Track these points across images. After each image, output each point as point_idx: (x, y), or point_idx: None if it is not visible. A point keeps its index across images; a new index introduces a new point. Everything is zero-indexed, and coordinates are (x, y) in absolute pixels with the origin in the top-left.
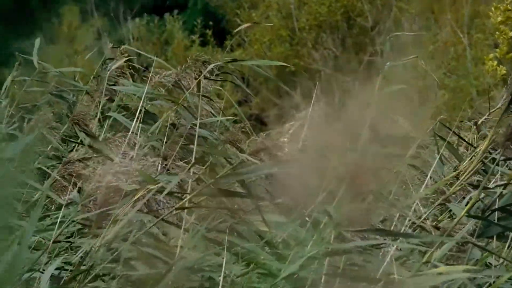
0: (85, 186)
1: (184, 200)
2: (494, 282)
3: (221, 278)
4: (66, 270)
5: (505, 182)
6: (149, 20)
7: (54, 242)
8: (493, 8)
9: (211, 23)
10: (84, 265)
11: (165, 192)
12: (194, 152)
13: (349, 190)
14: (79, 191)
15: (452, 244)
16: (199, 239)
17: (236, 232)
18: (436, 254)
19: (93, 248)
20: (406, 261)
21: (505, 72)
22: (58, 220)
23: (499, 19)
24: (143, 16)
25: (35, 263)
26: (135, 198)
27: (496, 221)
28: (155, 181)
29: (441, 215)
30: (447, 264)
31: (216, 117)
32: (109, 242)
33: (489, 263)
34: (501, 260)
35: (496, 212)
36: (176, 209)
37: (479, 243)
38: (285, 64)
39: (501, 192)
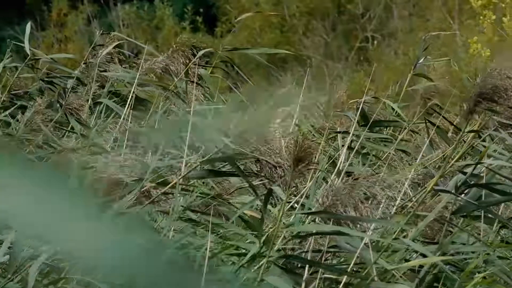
0: (87, 176)
1: (172, 183)
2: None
3: (206, 260)
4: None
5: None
6: (138, 7)
7: None
8: None
9: (201, 9)
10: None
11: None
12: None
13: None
14: (80, 182)
15: (426, 222)
16: (185, 222)
17: (221, 214)
18: (413, 232)
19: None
20: (383, 240)
21: (489, 54)
22: None
23: (480, 2)
24: (133, 1)
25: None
26: (140, 191)
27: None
28: (160, 175)
29: (431, 199)
30: (422, 242)
31: (208, 102)
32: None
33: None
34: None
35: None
36: (163, 193)
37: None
38: (279, 51)
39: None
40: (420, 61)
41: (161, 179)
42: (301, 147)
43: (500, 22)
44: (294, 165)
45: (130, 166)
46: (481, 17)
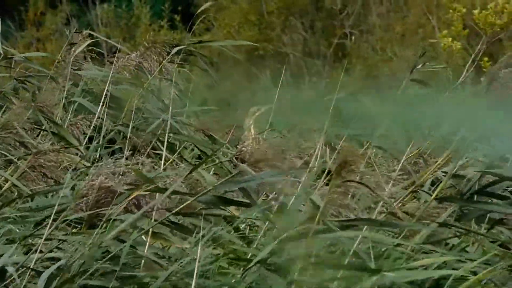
0: (78, 185)
1: (183, 205)
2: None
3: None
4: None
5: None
6: (117, 5)
7: (46, 239)
8: None
9: (179, 7)
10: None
11: (167, 193)
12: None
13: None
14: (72, 189)
15: (429, 230)
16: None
17: (205, 217)
18: (415, 239)
19: (86, 248)
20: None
21: (460, 46)
22: (51, 218)
23: None
24: (111, 0)
25: (27, 259)
26: (129, 198)
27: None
28: (152, 182)
29: (412, 199)
30: (425, 252)
31: (182, 100)
32: (107, 243)
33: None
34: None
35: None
36: (174, 214)
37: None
38: (252, 44)
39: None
40: (418, 66)
41: (152, 186)
42: (344, 154)
43: (471, 14)
44: (338, 171)
45: (121, 173)
46: (451, 11)
